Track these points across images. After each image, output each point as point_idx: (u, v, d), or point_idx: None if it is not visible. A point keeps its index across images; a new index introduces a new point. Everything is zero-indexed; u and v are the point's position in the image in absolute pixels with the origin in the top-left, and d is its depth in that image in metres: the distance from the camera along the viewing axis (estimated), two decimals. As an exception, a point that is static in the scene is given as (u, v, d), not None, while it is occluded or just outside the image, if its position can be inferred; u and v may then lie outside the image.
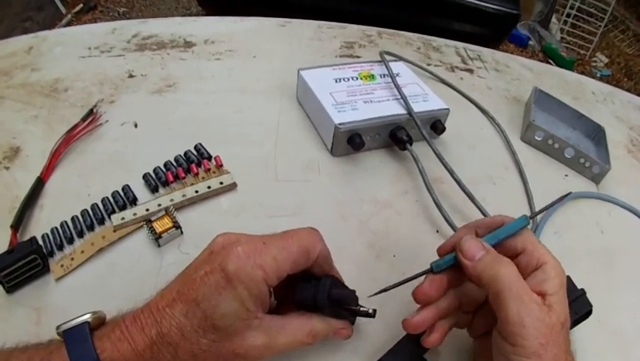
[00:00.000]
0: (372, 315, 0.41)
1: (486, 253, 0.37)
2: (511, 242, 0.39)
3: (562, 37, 3.33)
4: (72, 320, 0.35)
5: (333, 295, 0.39)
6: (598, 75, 3.19)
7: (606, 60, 3.34)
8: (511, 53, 3.10)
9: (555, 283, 0.35)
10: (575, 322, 0.46)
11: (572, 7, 3.26)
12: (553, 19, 3.34)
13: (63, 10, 2.74)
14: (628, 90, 1.11)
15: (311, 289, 0.39)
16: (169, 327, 0.33)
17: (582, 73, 3.12)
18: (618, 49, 3.45)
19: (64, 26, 2.59)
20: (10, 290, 0.45)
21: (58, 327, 0.35)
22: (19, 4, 2.42)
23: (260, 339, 0.35)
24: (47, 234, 0.50)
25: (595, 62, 3.31)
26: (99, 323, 0.36)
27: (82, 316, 0.35)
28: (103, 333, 0.34)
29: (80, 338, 0.34)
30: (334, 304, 0.39)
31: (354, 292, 0.42)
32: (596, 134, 0.76)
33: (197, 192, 0.55)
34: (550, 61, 3.16)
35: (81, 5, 2.83)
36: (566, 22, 3.32)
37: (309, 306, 0.39)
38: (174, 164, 0.58)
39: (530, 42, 3.24)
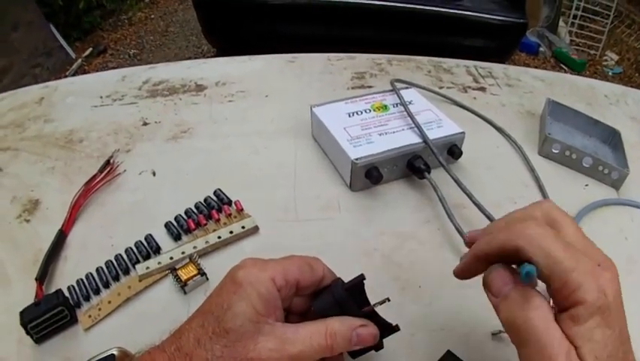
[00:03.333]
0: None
1: (512, 287, 0.33)
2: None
3: (571, 40, 3.31)
4: (100, 353, 0.41)
5: (348, 284, 0.39)
6: (610, 74, 3.16)
7: (616, 57, 3.31)
8: (523, 62, 3.10)
9: (591, 335, 0.30)
10: None
11: (577, 8, 3.25)
12: (561, 23, 3.32)
13: (72, 54, 2.77)
14: (640, 86, 1.09)
15: (326, 292, 0.40)
16: (187, 339, 0.35)
17: (594, 74, 3.10)
18: (627, 44, 3.43)
19: (75, 71, 2.62)
20: (38, 341, 0.46)
21: None
22: (27, 51, 2.43)
23: (272, 343, 0.35)
24: (73, 285, 0.51)
25: (606, 60, 3.29)
26: (125, 356, 0.40)
27: (109, 350, 0.41)
28: None
29: None
30: (353, 294, 0.39)
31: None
32: (612, 138, 0.75)
33: (219, 237, 0.56)
34: (562, 66, 3.14)
35: (91, 49, 2.87)
36: (573, 23, 3.31)
37: (329, 308, 0.39)
38: (195, 211, 0.59)
39: (541, 49, 3.23)
